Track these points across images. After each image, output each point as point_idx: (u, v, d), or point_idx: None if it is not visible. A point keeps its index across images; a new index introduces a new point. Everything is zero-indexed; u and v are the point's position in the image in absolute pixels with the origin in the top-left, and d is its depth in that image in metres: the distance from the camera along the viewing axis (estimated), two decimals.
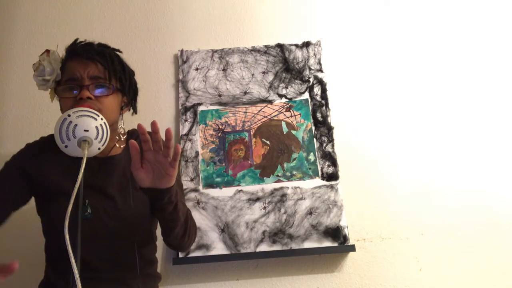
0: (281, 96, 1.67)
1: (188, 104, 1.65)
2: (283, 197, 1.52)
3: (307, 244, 1.46)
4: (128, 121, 1.23)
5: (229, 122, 1.63)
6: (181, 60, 1.72)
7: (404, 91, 1.72)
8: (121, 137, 1.14)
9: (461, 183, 1.59)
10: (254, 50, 1.73)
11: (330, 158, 1.58)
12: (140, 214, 1.05)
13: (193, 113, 1.64)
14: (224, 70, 1.71)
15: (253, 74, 1.70)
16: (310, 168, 1.56)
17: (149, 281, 1.12)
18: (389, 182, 1.59)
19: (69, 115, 0.89)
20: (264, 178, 1.55)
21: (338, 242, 1.46)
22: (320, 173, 1.56)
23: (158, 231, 1.12)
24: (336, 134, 1.61)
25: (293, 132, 1.62)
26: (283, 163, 1.57)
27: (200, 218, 1.48)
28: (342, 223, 1.49)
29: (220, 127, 1.63)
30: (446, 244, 1.52)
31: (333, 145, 1.59)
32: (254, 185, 1.54)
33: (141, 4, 1.84)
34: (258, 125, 1.63)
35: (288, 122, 1.64)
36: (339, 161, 1.57)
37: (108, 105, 1.00)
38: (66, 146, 0.89)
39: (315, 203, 1.52)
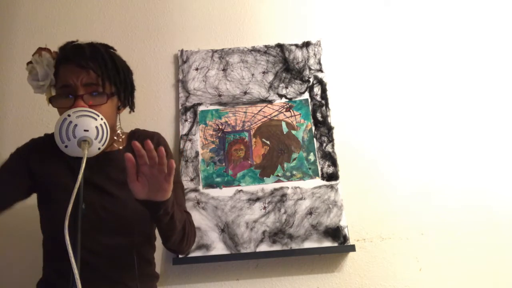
0: (281, 96, 1.67)
1: (188, 104, 1.65)
2: (283, 197, 1.52)
3: (307, 244, 1.46)
4: (128, 121, 1.23)
5: (229, 122, 1.63)
6: (181, 60, 1.72)
7: (404, 91, 1.72)
8: (120, 137, 1.14)
9: (461, 183, 1.59)
10: (254, 50, 1.73)
11: (330, 158, 1.58)
12: (138, 211, 1.05)
13: (193, 113, 1.64)
14: (224, 70, 1.71)
15: (253, 74, 1.70)
16: (310, 168, 1.56)
17: (148, 281, 1.12)
18: (389, 182, 1.59)
19: (69, 115, 0.89)
20: (264, 178, 1.55)
21: (338, 242, 1.46)
22: (320, 173, 1.56)
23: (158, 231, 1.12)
24: (336, 134, 1.61)
25: (293, 132, 1.62)
26: (283, 163, 1.57)
27: (200, 218, 1.48)
28: (342, 223, 1.49)
29: (220, 127, 1.63)
30: (446, 244, 1.52)
31: (333, 145, 1.59)
32: (254, 185, 1.54)
33: (141, 4, 1.84)
34: (258, 125, 1.63)
35: (288, 122, 1.63)
36: (339, 161, 1.57)
37: (105, 113, 0.98)
38: (66, 146, 0.89)
39: (315, 203, 1.52)
